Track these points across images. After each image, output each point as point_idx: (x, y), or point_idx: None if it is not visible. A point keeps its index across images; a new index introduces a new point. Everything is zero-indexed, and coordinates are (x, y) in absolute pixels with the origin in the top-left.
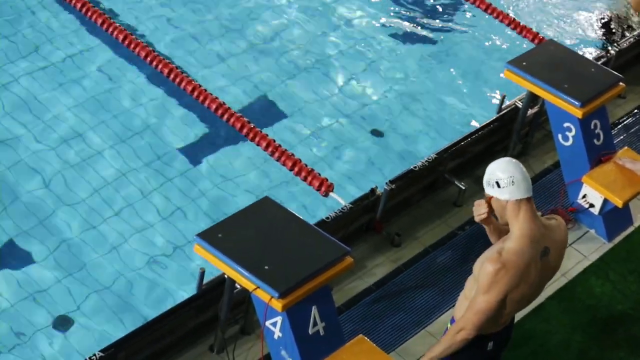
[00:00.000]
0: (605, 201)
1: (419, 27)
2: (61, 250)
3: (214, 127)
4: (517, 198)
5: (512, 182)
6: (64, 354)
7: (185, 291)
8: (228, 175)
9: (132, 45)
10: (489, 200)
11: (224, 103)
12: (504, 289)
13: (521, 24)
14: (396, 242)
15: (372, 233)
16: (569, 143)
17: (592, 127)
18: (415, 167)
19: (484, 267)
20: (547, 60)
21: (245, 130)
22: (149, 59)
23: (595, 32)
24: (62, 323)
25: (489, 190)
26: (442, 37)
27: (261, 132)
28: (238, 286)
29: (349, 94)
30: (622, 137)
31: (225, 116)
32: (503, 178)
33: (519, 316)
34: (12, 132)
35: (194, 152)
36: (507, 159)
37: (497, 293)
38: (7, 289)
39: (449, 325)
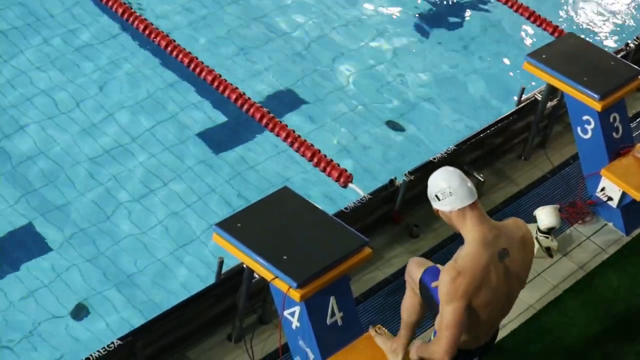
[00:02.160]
0: (624, 194)
1: (439, 19)
2: (79, 238)
3: (234, 117)
4: (459, 207)
5: (450, 193)
6: (81, 342)
7: (204, 280)
8: (247, 164)
9: (153, 36)
10: (436, 213)
11: (243, 93)
12: (465, 294)
13: (541, 16)
14: (414, 233)
15: (390, 224)
16: (588, 136)
17: (611, 120)
18: (434, 159)
19: (441, 278)
20: (566, 53)
21: (265, 121)
22: (169, 49)
23: (615, 26)
24: (80, 311)
25: (433, 203)
26: (461, 29)
27: (281, 122)
28: (256, 276)
29: (368, 84)
30: None
31: (245, 106)
32: (440, 190)
33: (536, 307)
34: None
35: (214, 142)
36: (443, 169)
37: (459, 299)
38: (25, 276)
39: (432, 337)
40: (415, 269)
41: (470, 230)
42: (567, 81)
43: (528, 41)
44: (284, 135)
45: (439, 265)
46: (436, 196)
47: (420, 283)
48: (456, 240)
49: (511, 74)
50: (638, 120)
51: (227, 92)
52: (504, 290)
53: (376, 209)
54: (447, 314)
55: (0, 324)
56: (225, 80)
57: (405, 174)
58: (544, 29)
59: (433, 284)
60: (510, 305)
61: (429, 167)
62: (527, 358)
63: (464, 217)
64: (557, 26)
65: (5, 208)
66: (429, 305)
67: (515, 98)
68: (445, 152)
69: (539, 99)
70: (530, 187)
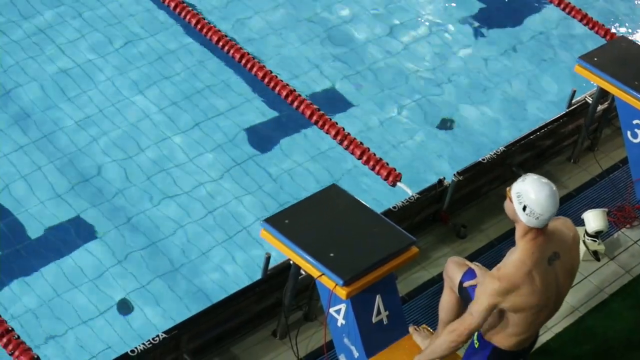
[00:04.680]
0: None
1: (490, 19)
2: (125, 230)
3: (284, 114)
4: (532, 227)
5: (537, 217)
6: (126, 335)
7: (250, 276)
8: (296, 162)
9: (205, 30)
10: (508, 197)
11: (294, 90)
12: (500, 297)
13: (593, 19)
14: (462, 233)
15: (438, 224)
16: (638, 140)
17: None
18: (483, 160)
19: (484, 281)
20: (618, 56)
21: (314, 118)
22: (220, 43)
23: None
24: (126, 304)
25: (515, 199)
26: (513, 30)
27: (331, 120)
28: (303, 272)
29: (418, 83)
30: None
31: (296, 103)
32: (532, 209)
33: (582, 310)
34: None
35: (264, 138)
36: (553, 192)
37: (491, 300)
38: (70, 267)
39: (475, 341)
40: (455, 269)
41: (525, 241)
42: (618, 84)
43: (580, 44)
44: (333, 132)
45: (476, 267)
46: (525, 206)
47: (460, 286)
48: (503, 242)
49: (562, 76)
50: None
51: (277, 89)
52: (552, 292)
53: (424, 208)
54: (477, 306)
55: (45, 316)
56: (277, 77)
57: (454, 174)
58: (596, 32)
59: (465, 284)
60: (560, 304)
61: (477, 168)
62: None
63: (527, 232)
64: (609, 29)
65: (52, 199)
66: (467, 306)
67: (567, 100)
68: (494, 153)
69: (590, 101)
70: (579, 190)
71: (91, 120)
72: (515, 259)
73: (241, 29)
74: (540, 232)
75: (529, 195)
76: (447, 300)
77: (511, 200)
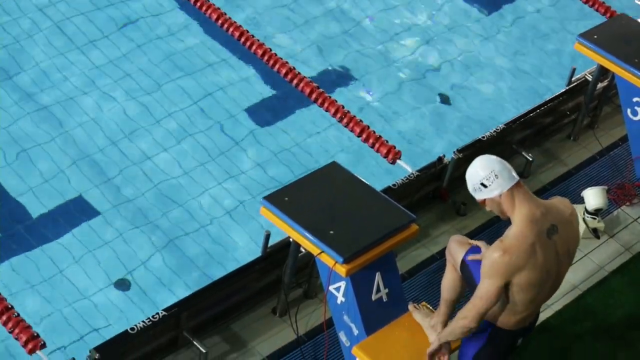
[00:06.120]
0: None
1: None
2: (126, 208)
3: (284, 92)
4: (507, 188)
5: (496, 176)
6: (126, 312)
7: (250, 253)
8: (296, 140)
9: (204, 8)
10: (483, 204)
11: (293, 68)
12: (507, 272)
13: None
14: (462, 211)
15: (437, 201)
16: (638, 118)
17: None
18: (483, 137)
19: (487, 255)
20: (618, 34)
21: (314, 96)
22: (219, 21)
23: None
24: (125, 281)
25: (479, 195)
26: (513, 8)
27: (330, 97)
28: (303, 250)
29: (419, 61)
30: None
31: (295, 81)
32: (485, 177)
33: (582, 288)
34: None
35: (262, 116)
36: (478, 159)
37: (499, 277)
38: (71, 245)
39: None
40: (458, 247)
41: (519, 209)
42: (618, 62)
43: (579, 22)
44: (333, 110)
45: (480, 243)
46: (482, 184)
47: (462, 263)
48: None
49: (562, 53)
50: None
51: (276, 67)
52: (553, 268)
53: (424, 186)
54: (484, 286)
55: (46, 293)
56: (275, 55)
57: (454, 152)
58: (596, 10)
59: (469, 257)
60: (559, 282)
61: (477, 145)
62: (572, 338)
63: (512, 198)
64: (609, 7)
65: (52, 175)
66: (470, 284)
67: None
68: (494, 131)
69: (590, 79)
70: (579, 168)
71: (93, 97)
72: (516, 231)
73: (242, 7)
74: (520, 188)
75: (472, 177)
76: (449, 279)
77: (482, 201)
